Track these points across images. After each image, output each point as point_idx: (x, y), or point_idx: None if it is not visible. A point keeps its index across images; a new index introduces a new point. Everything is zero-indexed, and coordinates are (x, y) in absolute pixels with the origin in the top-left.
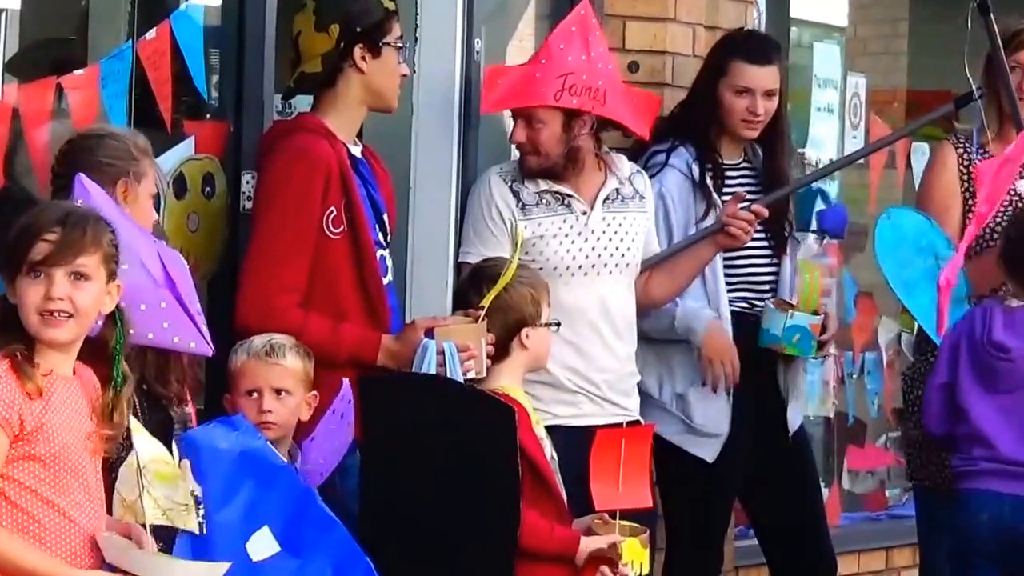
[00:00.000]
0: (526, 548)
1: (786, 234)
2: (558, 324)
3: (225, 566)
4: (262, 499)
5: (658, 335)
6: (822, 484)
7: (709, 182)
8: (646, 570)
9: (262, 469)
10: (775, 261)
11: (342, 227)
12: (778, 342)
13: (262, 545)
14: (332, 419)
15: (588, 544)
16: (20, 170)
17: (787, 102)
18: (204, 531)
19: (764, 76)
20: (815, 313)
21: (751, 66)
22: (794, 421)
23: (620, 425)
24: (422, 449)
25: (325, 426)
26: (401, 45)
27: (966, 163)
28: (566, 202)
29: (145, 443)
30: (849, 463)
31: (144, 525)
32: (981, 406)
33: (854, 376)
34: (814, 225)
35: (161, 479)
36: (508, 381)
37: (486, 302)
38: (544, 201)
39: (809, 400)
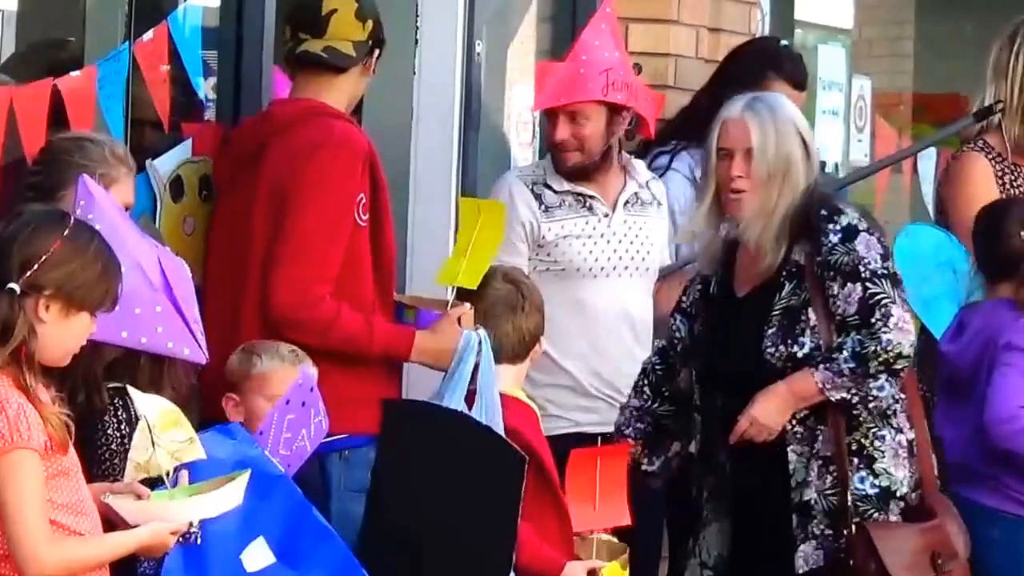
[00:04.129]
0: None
1: None
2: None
3: (244, 479)
4: (258, 509)
5: None
6: None
7: None
8: None
9: (259, 478)
10: None
11: (367, 215)
12: None
13: (258, 556)
14: (287, 408)
15: (570, 571)
16: (13, 174)
17: None
18: (198, 541)
19: (799, 101)
20: None
21: (792, 90)
22: None
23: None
24: (431, 480)
25: (279, 416)
26: (373, 73)
27: (999, 172)
28: (588, 204)
29: (146, 401)
30: None
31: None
32: (941, 415)
33: None
34: None
35: (168, 426)
36: (509, 386)
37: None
38: (566, 203)
39: None
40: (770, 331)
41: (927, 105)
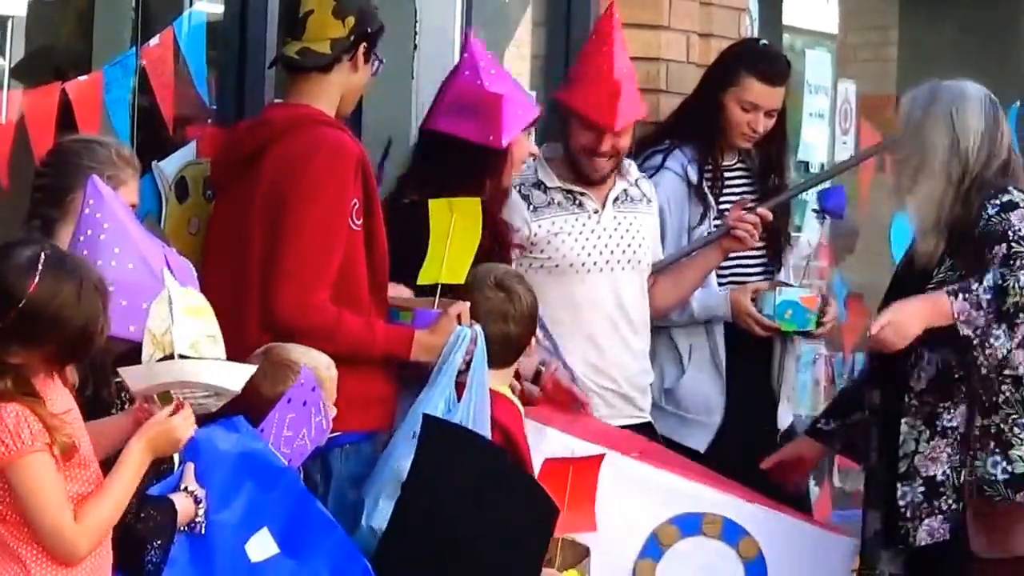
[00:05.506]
0: None
1: (782, 239)
2: None
3: (250, 371)
4: (262, 501)
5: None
6: (812, 482)
7: (706, 185)
8: None
9: (262, 471)
10: (770, 269)
11: (361, 219)
12: (771, 321)
13: (261, 546)
14: (288, 407)
15: None
16: (22, 177)
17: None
18: (203, 531)
19: (773, 96)
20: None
21: (763, 85)
22: (784, 419)
23: (635, 427)
24: (460, 508)
25: (280, 415)
26: (380, 63)
27: None
28: (578, 201)
29: (174, 282)
30: (840, 461)
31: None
32: None
33: (845, 376)
34: (815, 205)
35: (191, 313)
36: (496, 384)
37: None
38: (556, 202)
39: (801, 400)
40: None
41: None
